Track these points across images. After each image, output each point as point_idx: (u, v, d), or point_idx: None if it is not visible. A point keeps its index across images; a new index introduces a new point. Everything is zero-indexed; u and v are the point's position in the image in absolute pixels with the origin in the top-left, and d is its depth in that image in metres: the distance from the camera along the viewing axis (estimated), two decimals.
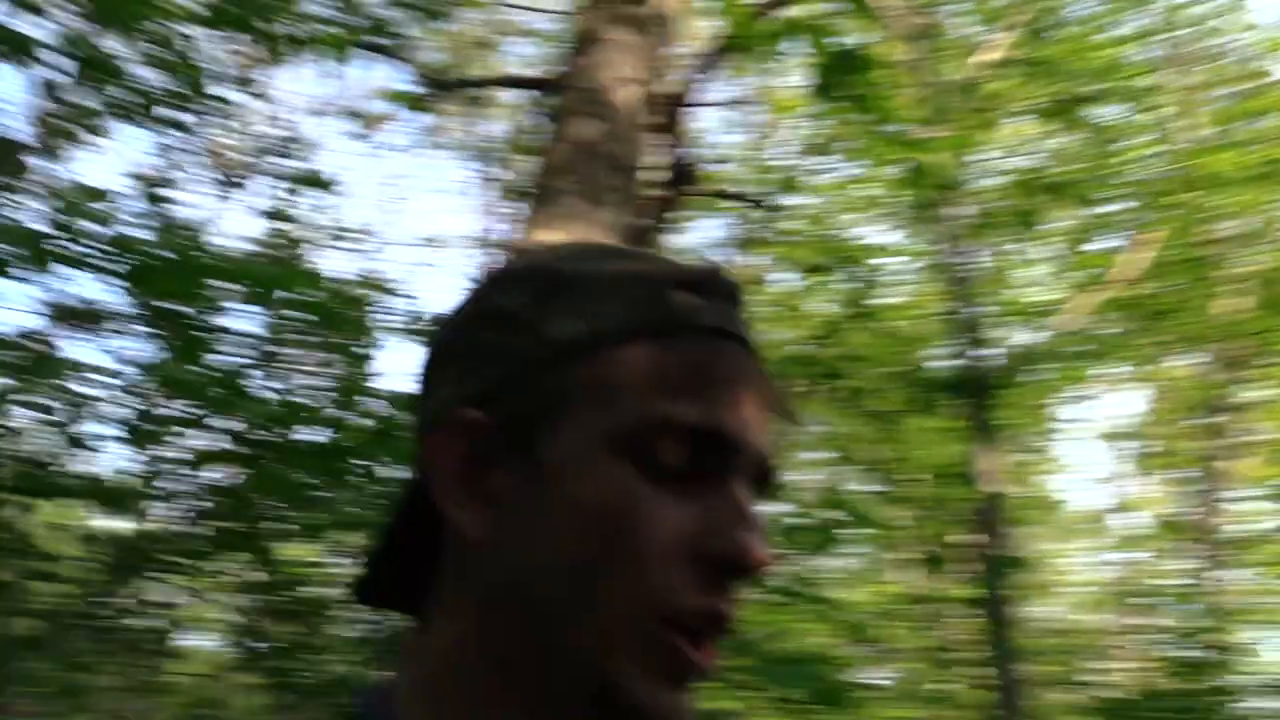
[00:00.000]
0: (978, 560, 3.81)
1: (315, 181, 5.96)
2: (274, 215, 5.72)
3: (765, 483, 0.62)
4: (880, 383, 4.33)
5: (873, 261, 5.39)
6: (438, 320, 0.71)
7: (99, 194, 2.16)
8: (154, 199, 5.06)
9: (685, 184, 4.80)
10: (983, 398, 4.20)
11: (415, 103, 4.76)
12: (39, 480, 2.89)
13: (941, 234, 4.63)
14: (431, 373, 0.67)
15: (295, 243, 5.91)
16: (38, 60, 3.54)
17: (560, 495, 0.59)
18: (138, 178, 5.16)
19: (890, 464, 5.51)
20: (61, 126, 4.40)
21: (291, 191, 5.76)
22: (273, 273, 3.95)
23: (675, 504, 0.58)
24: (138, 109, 4.64)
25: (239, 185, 5.66)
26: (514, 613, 0.59)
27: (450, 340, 0.66)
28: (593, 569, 0.57)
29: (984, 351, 4.51)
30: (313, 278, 5.05)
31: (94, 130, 4.57)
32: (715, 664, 0.59)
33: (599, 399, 0.59)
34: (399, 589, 0.69)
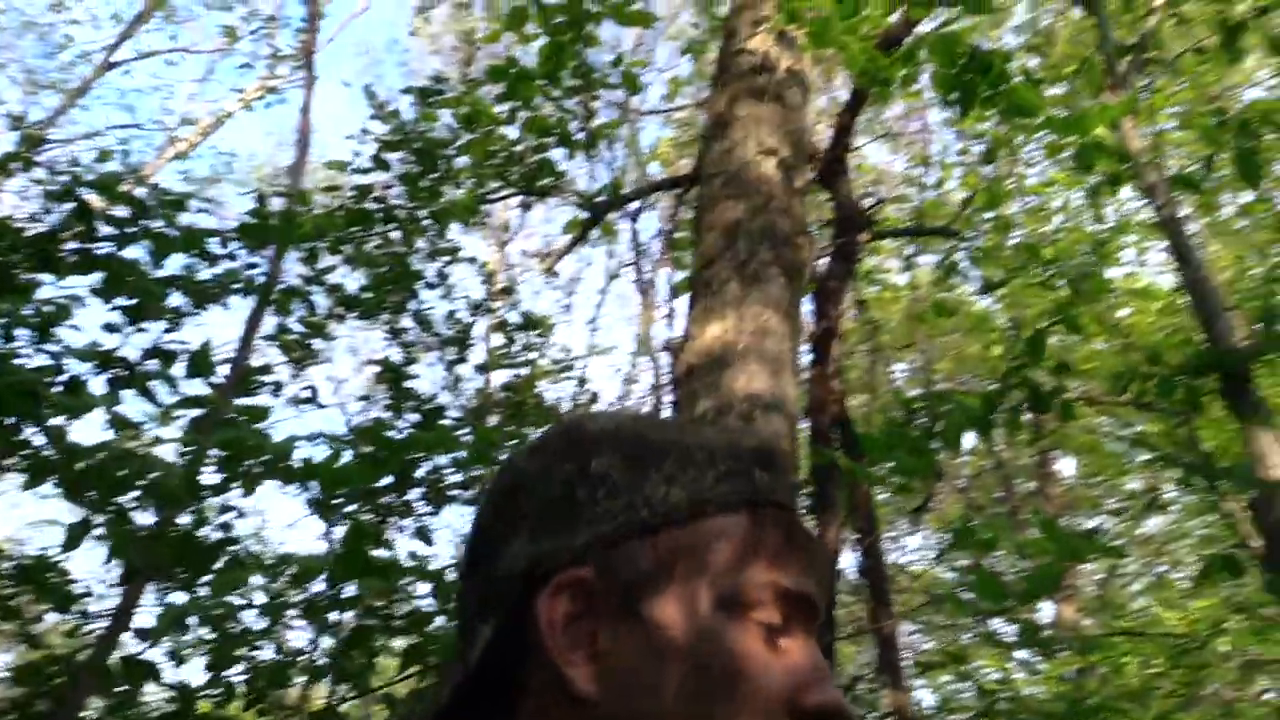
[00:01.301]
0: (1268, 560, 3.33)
1: (534, 324, 6.33)
2: (501, 365, 6.12)
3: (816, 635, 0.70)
4: (1123, 380, 3.94)
5: (1081, 259, 4.99)
6: (504, 473, 0.75)
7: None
8: (396, 384, 5.53)
9: (861, 231, 4.68)
10: (1242, 377, 3.73)
11: (582, 229, 4.97)
12: None
13: (1154, 204, 4.21)
14: (503, 525, 0.71)
15: (530, 385, 6.27)
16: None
17: (671, 651, 0.64)
18: (377, 364, 5.68)
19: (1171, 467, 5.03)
20: (295, 343, 4.89)
21: (511, 340, 6.14)
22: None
23: (774, 659, 0.65)
24: (366, 305, 5.11)
25: (466, 346, 6.08)
26: None
27: (529, 496, 0.70)
28: (710, 712, 0.63)
29: (1232, 325, 4.02)
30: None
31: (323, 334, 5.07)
32: None
33: (705, 563, 0.66)
34: None
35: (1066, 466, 15.26)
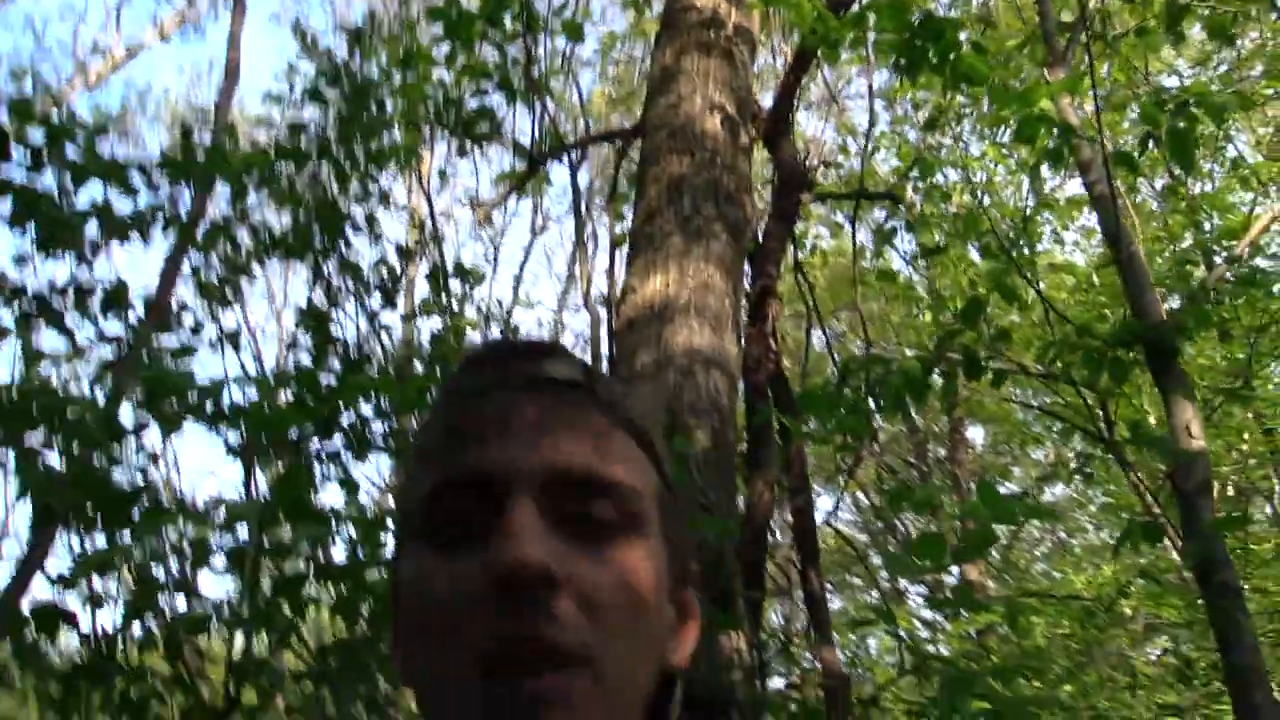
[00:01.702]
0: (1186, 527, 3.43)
1: (464, 274, 6.19)
2: (429, 313, 5.98)
3: (576, 483, 0.61)
4: (1051, 352, 4.02)
5: (1018, 228, 5.06)
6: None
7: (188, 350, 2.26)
8: (320, 330, 5.36)
9: (802, 192, 4.66)
10: (1167, 350, 3.81)
11: (520, 179, 4.86)
12: None
13: (1090, 179, 4.27)
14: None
15: (457, 335, 6.15)
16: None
17: (399, 608, 0.66)
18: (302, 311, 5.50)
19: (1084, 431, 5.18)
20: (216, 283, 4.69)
21: (440, 290, 6.00)
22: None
23: (466, 559, 0.59)
24: (292, 248, 4.92)
25: (394, 294, 5.93)
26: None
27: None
28: (423, 651, 0.60)
29: (1159, 299, 4.12)
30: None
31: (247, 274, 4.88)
32: (569, 684, 0.56)
33: (404, 516, 0.66)
34: None
35: (977, 434, 15.69)
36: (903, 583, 15.41)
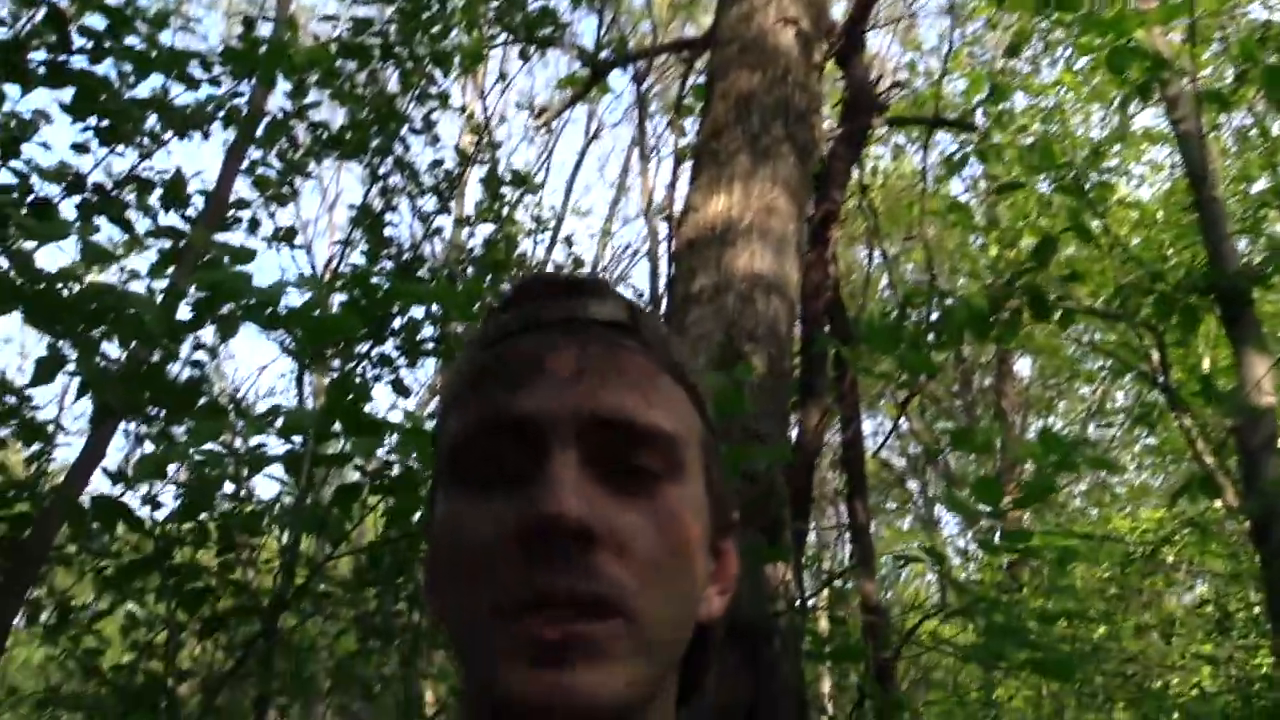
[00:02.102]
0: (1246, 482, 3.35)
1: (521, 180, 6.12)
2: (484, 219, 5.94)
3: (618, 431, 0.59)
4: (1121, 294, 3.89)
5: (1099, 163, 4.86)
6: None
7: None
8: (374, 230, 5.34)
9: (873, 115, 4.50)
10: (1242, 300, 3.68)
11: (584, 86, 4.74)
12: None
13: (1177, 115, 4.08)
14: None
15: (509, 242, 6.10)
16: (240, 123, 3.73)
17: (433, 546, 0.64)
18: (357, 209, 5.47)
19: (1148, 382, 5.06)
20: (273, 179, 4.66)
21: (496, 195, 5.94)
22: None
23: (502, 503, 0.58)
24: (349, 146, 4.87)
25: (448, 198, 5.88)
26: (456, 660, 0.67)
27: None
28: (455, 591, 0.59)
29: (1240, 246, 3.95)
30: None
31: (303, 173, 4.84)
32: (603, 632, 0.55)
33: (440, 452, 0.64)
34: None
35: (1024, 366, 15.49)
36: (937, 509, 15.43)
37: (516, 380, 0.60)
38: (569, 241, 5.70)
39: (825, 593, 3.39)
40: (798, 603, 2.97)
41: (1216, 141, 7.78)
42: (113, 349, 2.41)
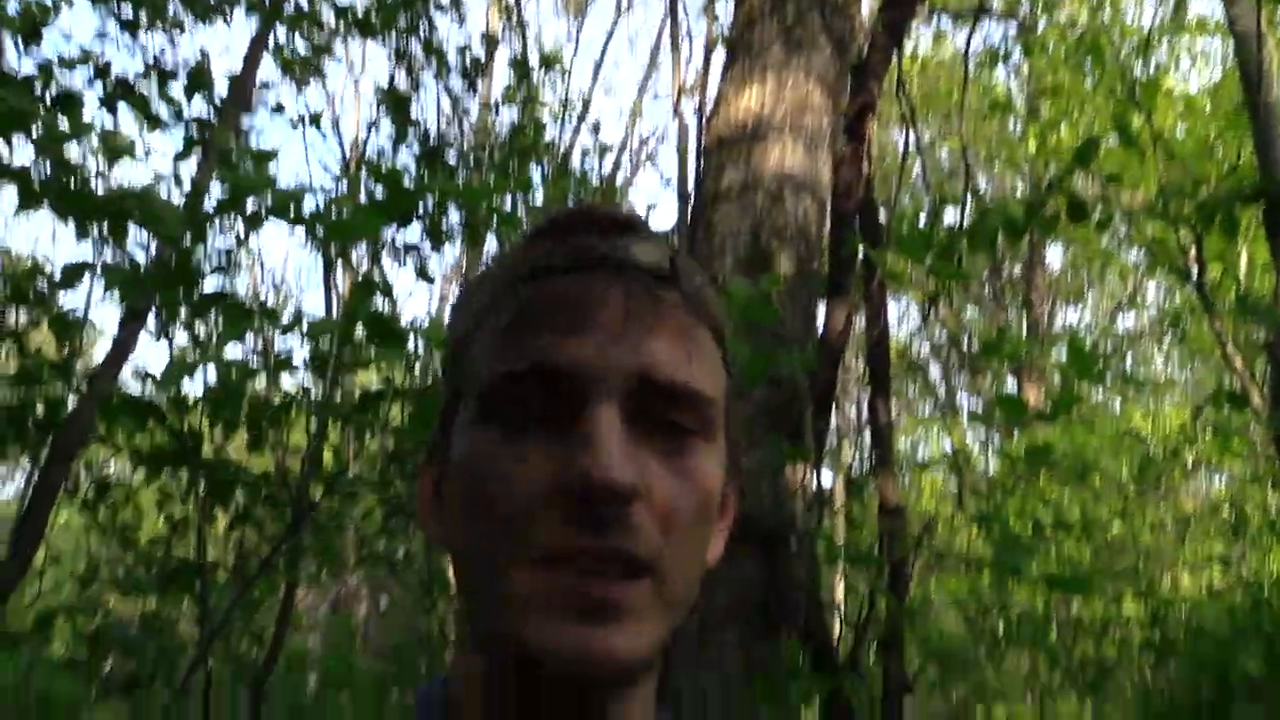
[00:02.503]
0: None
1: (549, 62, 5.97)
2: (510, 102, 5.82)
3: (659, 393, 0.59)
4: (1163, 197, 3.79)
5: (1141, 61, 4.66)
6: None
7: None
8: (400, 112, 5.25)
9: (916, 3, 4.32)
10: None
11: None
12: None
13: (1235, 11, 3.90)
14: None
15: (538, 125, 5.99)
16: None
17: (452, 485, 0.62)
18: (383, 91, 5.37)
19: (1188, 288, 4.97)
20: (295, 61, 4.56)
21: (523, 77, 5.80)
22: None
23: (543, 451, 0.57)
24: (375, 26, 4.75)
25: (475, 79, 5.75)
26: (465, 598, 0.61)
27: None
28: (478, 533, 0.58)
29: None
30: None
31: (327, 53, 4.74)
32: (634, 592, 0.56)
33: (468, 384, 0.62)
34: None
35: (1055, 254, 15.26)
36: (959, 396, 15.46)
37: (563, 326, 0.59)
38: (596, 127, 5.58)
39: (843, 493, 3.42)
40: (815, 504, 3.01)
41: (1273, 36, 7.44)
42: (141, 239, 2.41)
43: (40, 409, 3.81)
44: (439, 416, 0.67)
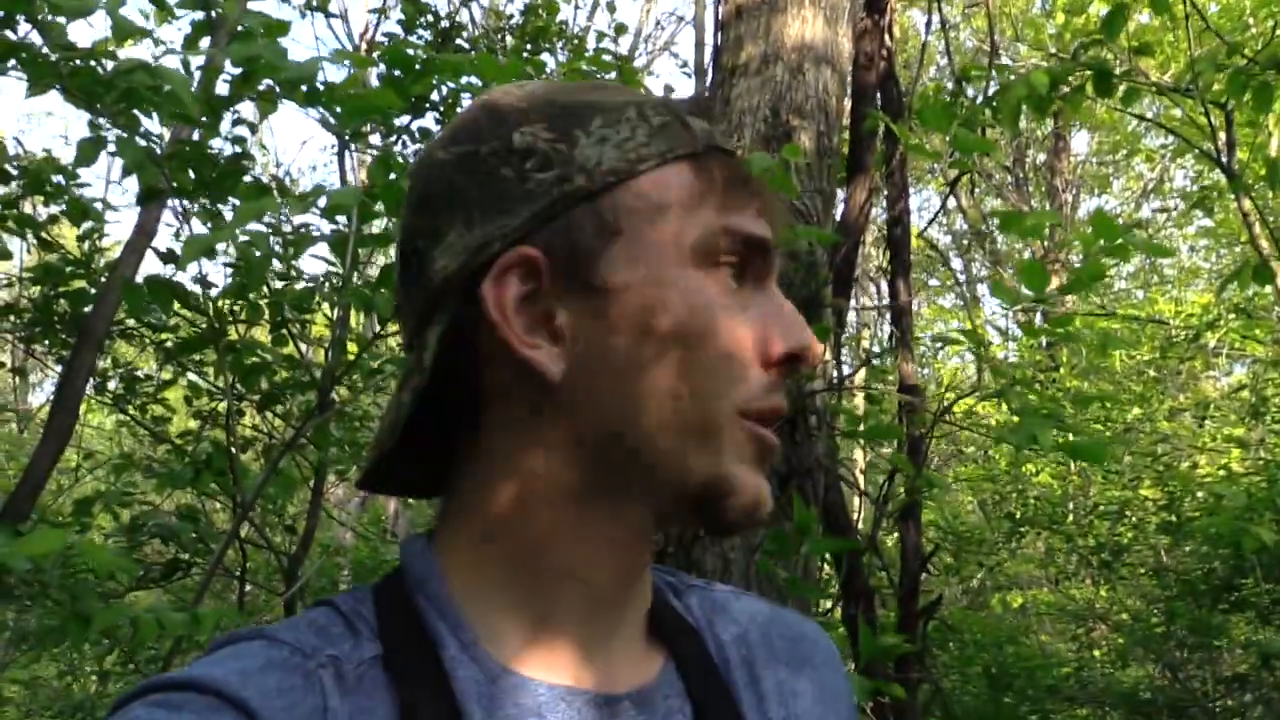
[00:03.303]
0: None
1: None
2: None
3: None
4: (1194, 68, 3.69)
5: None
6: (421, 165, 0.67)
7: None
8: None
9: None
10: None
11: None
12: None
13: None
14: (430, 225, 0.65)
15: (550, 6, 5.86)
16: None
17: (639, 315, 0.61)
18: None
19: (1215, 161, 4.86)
20: None
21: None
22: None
23: (740, 307, 0.63)
24: None
25: None
26: (614, 438, 0.61)
27: (453, 188, 0.64)
28: (685, 378, 0.60)
29: None
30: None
31: None
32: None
33: (655, 218, 0.62)
34: (420, 466, 0.70)
35: (1081, 142, 14.96)
36: (980, 288, 15.37)
37: (763, 208, 0.66)
38: (611, 7, 5.44)
39: (863, 372, 3.44)
40: (835, 380, 3.02)
41: None
42: (154, 126, 2.39)
43: (64, 304, 3.85)
44: (547, 223, 0.62)
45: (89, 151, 1.98)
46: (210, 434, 3.53)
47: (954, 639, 5.69)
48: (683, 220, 0.62)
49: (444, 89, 4.27)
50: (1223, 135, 4.64)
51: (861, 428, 2.85)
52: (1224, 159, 4.76)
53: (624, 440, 0.61)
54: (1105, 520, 6.53)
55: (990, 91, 3.21)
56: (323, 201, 2.01)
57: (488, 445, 0.65)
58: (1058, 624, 7.70)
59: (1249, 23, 7.73)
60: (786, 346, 0.63)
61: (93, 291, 3.53)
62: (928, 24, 4.27)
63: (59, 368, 4.08)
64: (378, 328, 2.58)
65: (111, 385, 4.42)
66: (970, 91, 3.34)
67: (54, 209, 3.43)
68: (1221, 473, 5.87)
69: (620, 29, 5.39)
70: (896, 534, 4.04)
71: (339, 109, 2.40)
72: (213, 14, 2.91)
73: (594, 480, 0.62)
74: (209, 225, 2.09)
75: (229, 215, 2.42)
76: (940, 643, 5.33)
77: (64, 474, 5.57)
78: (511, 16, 5.76)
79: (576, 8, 6.01)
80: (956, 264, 15.68)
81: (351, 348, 3.14)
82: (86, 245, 3.91)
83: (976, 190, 13.96)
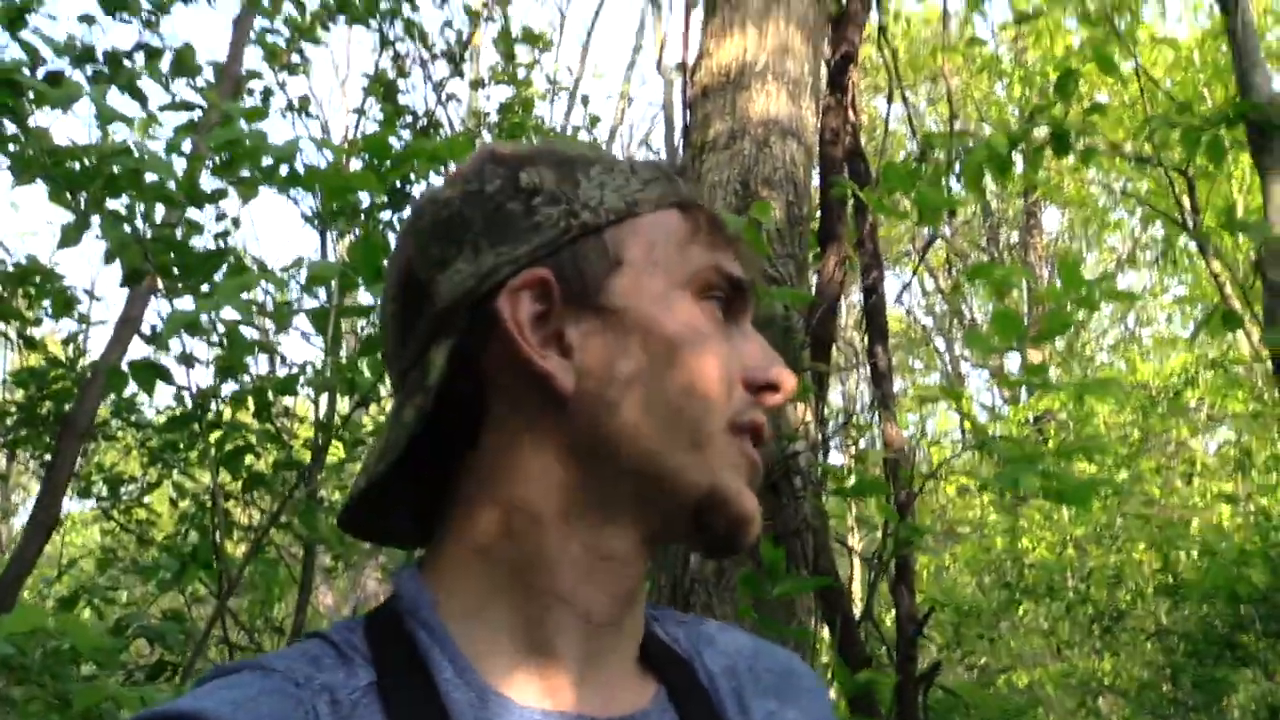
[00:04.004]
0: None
1: (534, 40, 6.00)
2: (499, 82, 5.85)
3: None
4: (1148, 129, 3.81)
5: None
6: (427, 201, 0.71)
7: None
8: (388, 97, 5.27)
9: None
10: (1271, 129, 3.60)
11: None
12: None
13: None
14: (436, 254, 0.68)
15: (527, 104, 6.02)
16: None
17: (640, 334, 0.66)
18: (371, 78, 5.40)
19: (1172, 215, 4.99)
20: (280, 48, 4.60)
21: (509, 57, 5.83)
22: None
23: (733, 341, 0.70)
24: (354, 10, 4.78)
25: (460, 61, 5.78)
26: (616, 450, 0.64)
27: (459, 220, 0.68)
28: (685, 392, 0.65)
29: (1268, 77, 3.84)
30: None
31: (313, 39, 4.77)
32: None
33: (652, 251, 0.68)
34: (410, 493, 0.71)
35: (1052, 219, 15.26)
36: (964, 366, 15.47)
37: (739, 254, 0.72)
38: (585, 100, 5.60)
39: (847, 435, 3.45)
40: (819, 442, 3.04)
41: None
42: (136, 214, 2.44)
43: (49, 405, 3.85)
44: (553, 252, 0.67)
45: (73, 235, 2.02)
46: (195, 526, 3.51)
47: (959, 713, 5.59)
48: (677, 256, 0.69)
49: (424, 181, 4.38)
50: (1186, 200, 4.78)
51: (848, 481, 2.85)
52: (1189, 222, 4.87)
53: (626, 452, 0.64)
54: (1103, 587, 6.48)
55: (953, 156, 3.31)
56: (304, 274, 2.05)
57: (484, 465, 0.67)
58: (1065, 699, 7.57)
59: (1204, 94, 8.00)
60: (765, 374, 0.69)
61: (75, 392, 3.55)
62: (889, 99, 4.41)
63: (43, 471, 4.06)
64: (358, 404, 2.60)
65: (95, 490, 4.40)
66: (933, 156, 3.44)
67: (37, 311, 3.47)
68: (1213, 530, 5.86)
69: (594, 120, 5.55)
70: (892, 607, 4.00)
71: (319, 190, 2.47)
72: (194, 115, 3.00)
73: (591, 497, 0.65)
74: (192, 300, 2.13)
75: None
76: (943, 715, 5.23)
77: (47, 580, 5.49)
78: (489, 114, 5.92)
79: (551, 103, 6.16)
80: (939, 344, 15.82)
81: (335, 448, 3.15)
82: (70, 348, 3.94)
83: (953, 270, 14.16)
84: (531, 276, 0.66)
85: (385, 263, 2.29)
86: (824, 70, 3.79)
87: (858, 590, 5.30)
